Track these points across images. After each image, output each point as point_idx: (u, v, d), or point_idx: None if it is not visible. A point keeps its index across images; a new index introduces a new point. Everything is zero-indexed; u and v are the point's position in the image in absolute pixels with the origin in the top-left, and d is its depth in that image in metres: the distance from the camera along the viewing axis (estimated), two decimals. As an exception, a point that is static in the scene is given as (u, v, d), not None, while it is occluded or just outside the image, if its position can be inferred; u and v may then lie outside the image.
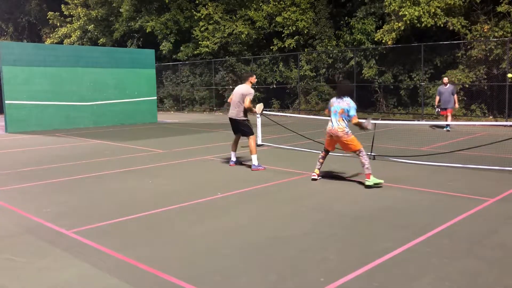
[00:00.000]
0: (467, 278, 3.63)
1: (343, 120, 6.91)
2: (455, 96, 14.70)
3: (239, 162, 9.03)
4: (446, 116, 14.75)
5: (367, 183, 6.62)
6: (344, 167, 8.54)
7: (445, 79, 14.93)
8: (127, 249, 4.36)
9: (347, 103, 6.89)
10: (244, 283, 3.60)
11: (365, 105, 21.74)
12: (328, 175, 7.73)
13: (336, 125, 6.92)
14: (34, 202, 6.29)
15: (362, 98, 21.43)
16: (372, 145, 9.68)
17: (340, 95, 6.97)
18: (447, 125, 14.64)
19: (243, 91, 8.46)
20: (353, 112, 6.89)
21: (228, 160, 9.15)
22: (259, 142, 11.57)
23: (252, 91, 8.55)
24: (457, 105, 14.89)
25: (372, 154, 9.39)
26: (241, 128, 8.57)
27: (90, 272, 3.86)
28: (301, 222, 5.18)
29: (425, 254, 4.12)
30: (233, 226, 5.10)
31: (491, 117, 17.55)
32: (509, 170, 7.86)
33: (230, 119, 8.65)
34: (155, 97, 21.05)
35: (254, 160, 8.41)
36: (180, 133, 15.53)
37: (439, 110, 15.07)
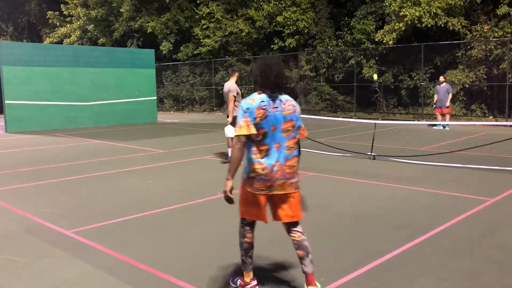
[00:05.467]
0: (467, 278, 3.63)
1: (296, 145, 3.38)
2: (449, 95, 14.99)
3: None
4: (443, 115, 15.08)
5: None
6: (344, 167, 8.54)
7: (441, 78, 15.32)
8: (127, 249, 4.36)
9: (293, 106, 3.36)
10: (244, 283, 3.60)
11: (365, 105, 21.77)
12: (328, 175, 7.73)
13: (284, 158, 3.29)
14: (34, 202, 6.29)
15: (362, 98, 21.46)
16: (372, 145, 9.69)
17: (278, 90, 3.32)
18: (447, 124, 14.74)
19: (229, 87, 8.71)
20: (301, 122, 3.45)
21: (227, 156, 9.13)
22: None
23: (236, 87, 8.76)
24: (447, 104, 15.06)
25: (372, 154, 9.39)
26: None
27: (90, 272, 3.86)
28: (301, 222, 5.17)
29: (425, 254, 4.12)
30: (233, 226, 5.08)
31: (491, 117, 17.56)
32: (509, 170, 7.86)
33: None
34: (155, 97, 21.05)
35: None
36: (180, 133, 15.53)
37: (435, 106, 15.66)
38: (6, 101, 16.40)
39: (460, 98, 18.31)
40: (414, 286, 3.50)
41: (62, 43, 31.67)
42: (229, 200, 3.24)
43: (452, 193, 6.39)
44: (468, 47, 18.11)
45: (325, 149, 10.47)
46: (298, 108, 3.39)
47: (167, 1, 27.27)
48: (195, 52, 26.92)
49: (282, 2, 23.49)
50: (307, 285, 3.34)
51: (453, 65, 18.81)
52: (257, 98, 3.25)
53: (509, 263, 3.93)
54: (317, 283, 3.36)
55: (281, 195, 3.29)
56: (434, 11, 17.78)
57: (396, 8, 18.59)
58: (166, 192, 6.81)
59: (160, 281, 3.67)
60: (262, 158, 3.24)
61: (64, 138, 14.27)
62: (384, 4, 19.81)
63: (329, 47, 22.65)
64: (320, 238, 4.63)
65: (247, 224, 3.43)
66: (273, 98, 3.27)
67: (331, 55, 22.39)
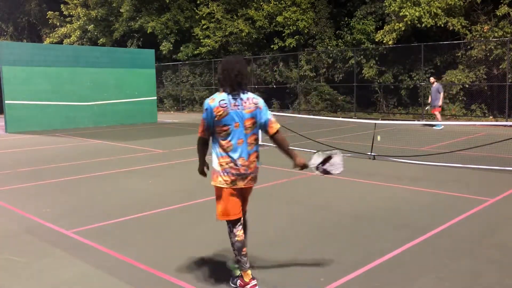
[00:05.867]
0: (467, 278, 3.63)
1: (256, 141, 3.60)
2: (441, 94, 15.09)
3: None
4: (435, 115, 15.31)
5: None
6: (344, 167, 8.53)
7: (431, 79, 15.61)
8: (127, 249, 4.36)
9: (255, 104, 3.51)
10: (244, 283, 3.60)
11: (365, 105, 21.77)
12: (328, 175, 7.72)
13: (247, 154, 3.48)
14: (34, 202, 6.29)
15: (362, 98, 21.46)
16: (372, 145, 9.68)
17: (239, 88, 3.47)
18: (436, 124, 14.94)
19: None
20: (270, 116, 3.58)
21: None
22: (259, 142, 11.55)
23: None
24: (440, 103, 15.16)
25: (372, 154, 9.39)
26: None
27: (90, 272, 3.86)
28: (301, 222, 5.18)
29: (425, 254, 4.12)
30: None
31: (491, 117, 17.56)
32: (509, 170, 7.86)
33: None
34: (155, 97, 21.04)
35: None
36: (180, 133, 15.53)
37: (428, 108, 15.94)
38: (6, 101, 16.40)
39: (460, 98, 18.31)
40: (414, 286, 3.50)
41: (62, 43, 31.66)
42: (202, 175, 3.67)
43: (452, 193, 6.39)
44: (468, 47, 18.11)
45: (325, 149, 10.46)
46: (261, 104, 3.51)
47: (167, 1, 27.26)
48: (195, 52, 26.92)
49: (282, 2, 23.49)
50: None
51: (453, 65, 18.81)
52: (218, 97, 3.44)
53: (509, 263, 3.93)
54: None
55: (243, 189, 3.52)
56: (434, 11, 17.78)
57: (396, 8, 18.59)
58: (166, 192, 6.81)
59: (160, 281, 3.67)
60: (227, 153, 3.41)
61: (64, 138, 14.27)
62: (384, 4, 19.80)
63: (329, 47, 22.64)
64: (320, 238, 4.64)
65: (234, 222, 3.48)
66: (234, 96, 3.41)
67: (331, 55, 22.39)
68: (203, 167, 3.68)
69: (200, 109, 28.05)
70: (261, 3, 24.35)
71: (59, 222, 5.25)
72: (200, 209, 5.78)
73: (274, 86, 24.42)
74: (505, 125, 14.82)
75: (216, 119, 3.37)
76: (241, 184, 3.46)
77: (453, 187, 6.77)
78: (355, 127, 16.04)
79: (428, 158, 9.09)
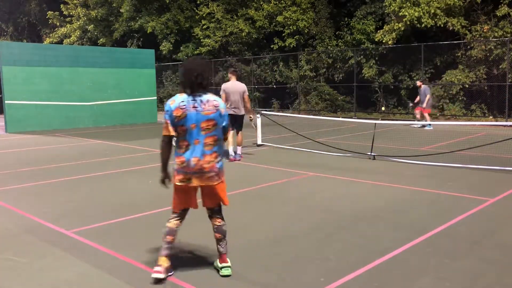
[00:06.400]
0: (467, 278, 3.63)
1: (216, 142, 3.64)
2: (427, 96, 15.54)
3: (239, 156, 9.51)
4: (421, 114, 15.89)
5: (225, 271, 3.69)
6: (344, 167, 8.54)
7: (417, 82, 16.34)
8: (127, 249, 4.36)
9: (215, 107, 3.61)
10: (244, 283, 3.60)
11: (365, 105, 21.77)
12: (328, 175, 7.73)
13: (202, 154, 3.57)
14: (34, 202, 6.29)
15: (362, 98, 21.45)
16: (372, 145, 9.69)
17: (199, 90, 3.57)
18: (419, 123, 15.69)
19: (244, 88, 9.24)
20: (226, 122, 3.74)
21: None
22: (259, 142, 11.58)
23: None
24: (424, 105, 15.58)
25: (372, 154, 9.39)
26: (239, 123, 9.28)
27: (90, 272, 3.86)
28: (301, 222, 5.18)
29: (425, 254, 4.12)
30: (233, 226, 5.08)
31: (491, 117, 17.56)
32: (509, 170, 7.86)
33: (235, 115, 9.12)
34: (155, 97, 21.04)
35: (239, 150, 9.43)
36: (180, 133, 15.51)
37: (411, 106, 17.00)
38: (6, 101, 16.40)
39: (460, 98, 18.32)
40: (414, 286, 3.51)
41: (62, 43, 31.66)
42: (163, 185, 3.76)
43: (452, 193, 6.39)
44: (468, 47, 18.11)
45: (325, 149, 10.47)
46: (222, 108, 3.64)
47: (167, 1, 27.25)
48: (195, 52, 26.90)
49: (282, 2, 23.49)
50: (221, 263, 3.71)
51: (453, 65, 18.81)
52: (178, 99, 3.53)
53: (509, 263, 3.94)
54: (227, 260, 3.71)
55: (202, 186, 3.66)
56: (433, 11, 17.77)
57: (396, 8, 18.59)
58: (166, 192, 6.79)
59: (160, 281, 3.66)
60: (183, 153, 3.55)
61: (64, 138, 14.27)
62: (384, 4, 19.81)
63: (329, 47, 22.64)
64: (320, 238, 4.63)
65: (177, 214, 3.77)
66: (194, 97, 3.52)
67: (331, 55, 22.39)
68: (166, 174, 3.70)
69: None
70: (261, 3, 24.36)
71: (59, 222, 5.25)
72: (200, 209, 5.76)
73: (274, 86, 24.41)
74: (505, 125, 14.83)
75: (175, 120, 3.48)
76: (196, 182, 3.60)
77: (453, 187, 6.78)
78: (355, 127, 16.04)
79: (428, 158, 9.09)
